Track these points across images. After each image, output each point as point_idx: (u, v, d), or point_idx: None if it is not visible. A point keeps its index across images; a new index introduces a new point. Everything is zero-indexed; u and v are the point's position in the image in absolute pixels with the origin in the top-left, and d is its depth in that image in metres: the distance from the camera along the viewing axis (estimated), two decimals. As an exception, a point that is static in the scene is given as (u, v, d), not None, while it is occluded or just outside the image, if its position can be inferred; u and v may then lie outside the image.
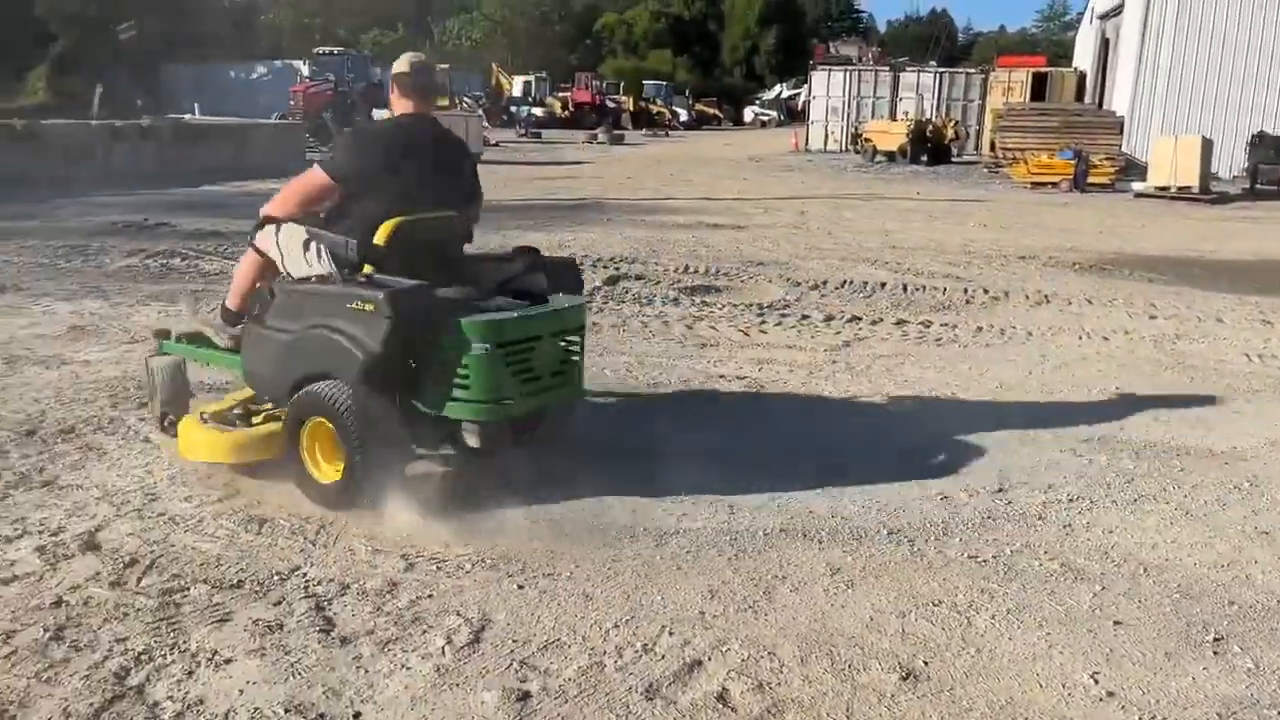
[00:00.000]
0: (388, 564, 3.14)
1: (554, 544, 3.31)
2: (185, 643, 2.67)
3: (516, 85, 48.06)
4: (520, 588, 3.01)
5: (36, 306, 6.69)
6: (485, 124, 29.47)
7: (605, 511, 3.58)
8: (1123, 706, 2.50)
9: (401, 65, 3.89)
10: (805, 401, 5.04)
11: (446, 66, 44.44)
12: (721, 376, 5.46)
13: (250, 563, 3.12)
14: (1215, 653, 2.75)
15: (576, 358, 3.78)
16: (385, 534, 3.32)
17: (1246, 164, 18.41)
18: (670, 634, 2.78)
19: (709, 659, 2.67)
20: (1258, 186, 17.70)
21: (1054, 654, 2.74)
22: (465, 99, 42.36)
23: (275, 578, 3.03)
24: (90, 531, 3.30)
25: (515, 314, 3.56)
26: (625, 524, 3.49)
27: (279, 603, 2.89)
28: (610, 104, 46.07)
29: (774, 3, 70.45)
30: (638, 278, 8.43)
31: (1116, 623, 2.91)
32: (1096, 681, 2.60)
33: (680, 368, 5.61)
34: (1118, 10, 24.17)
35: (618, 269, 8.74)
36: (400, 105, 3.88)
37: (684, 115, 49.72)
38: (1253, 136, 18.56)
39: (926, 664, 2.68)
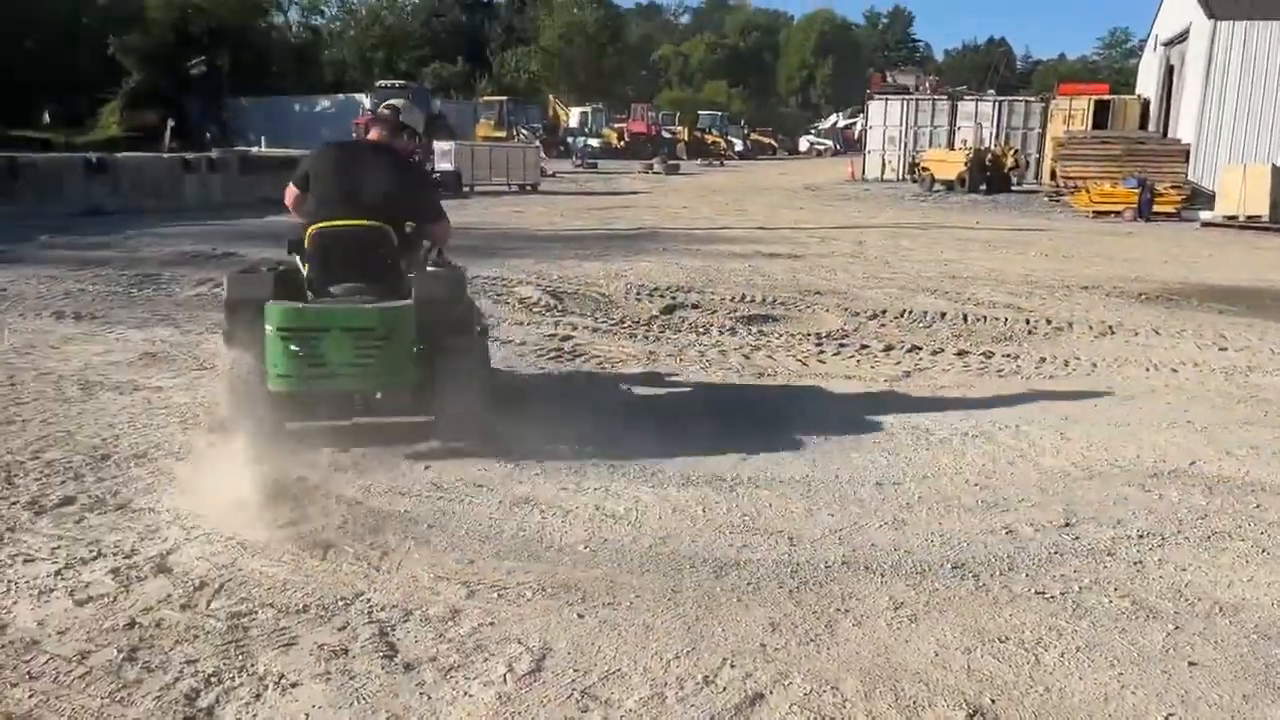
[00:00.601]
0: (449, 591, 3.16)
1: (614, 573, 3.32)
2: (253, 666, 2.71)
3: (573, 116, 48.64)
4: (580, 616, 3.02)
5: (111, 334, 6.89)
6: (542, 155, 29.84)
7: (665, 540, 3.57)
8: (1200, 750, 2.43)
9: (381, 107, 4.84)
10: (866, 432, 4.99)
11: (504, 99, 45.44)
12: (780, 406, 5.43)
13: (315, 587, 3.16)
14: (1298, 698, 2.66)
15: (375, 353, 4.14)
16: (448, 562, 3.35)
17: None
18: (732, 666, 2.76)
19: (771, 692, 2.65)
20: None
21: (1126, 694, 2.67)
22: (523, 130, 43.05)
23: (340, 603, 3.07)
24: (162, 554, 3.37)
25: (301, 306, 4.18)
26: (686, 554, 3.48)
27: (343, 628, 2.92)
28: (666, 134, 46.42)
29: (829, 33, 70.59)
30: (694, 307, 8.44)
31: (1191, 663, 2.83)
32: (1171, 724, 2.53)
33: (740, 398, 5.60)
34: (1183, 38, 23.81)
35: (674, 298, 8.77)
36: (374, 134, 4.67)
37: (739, 145, 49.92)
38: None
39: (993, 701, 2.62)
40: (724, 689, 2.66)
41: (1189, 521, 3.87)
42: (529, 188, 22.80)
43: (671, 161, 36.09)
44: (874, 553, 3.54)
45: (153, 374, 5.79)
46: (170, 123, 25.64)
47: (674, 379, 5.99)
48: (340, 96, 40.62)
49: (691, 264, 11.07)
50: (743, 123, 55.01)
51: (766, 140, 55.09)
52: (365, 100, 32.58)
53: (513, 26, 61.47)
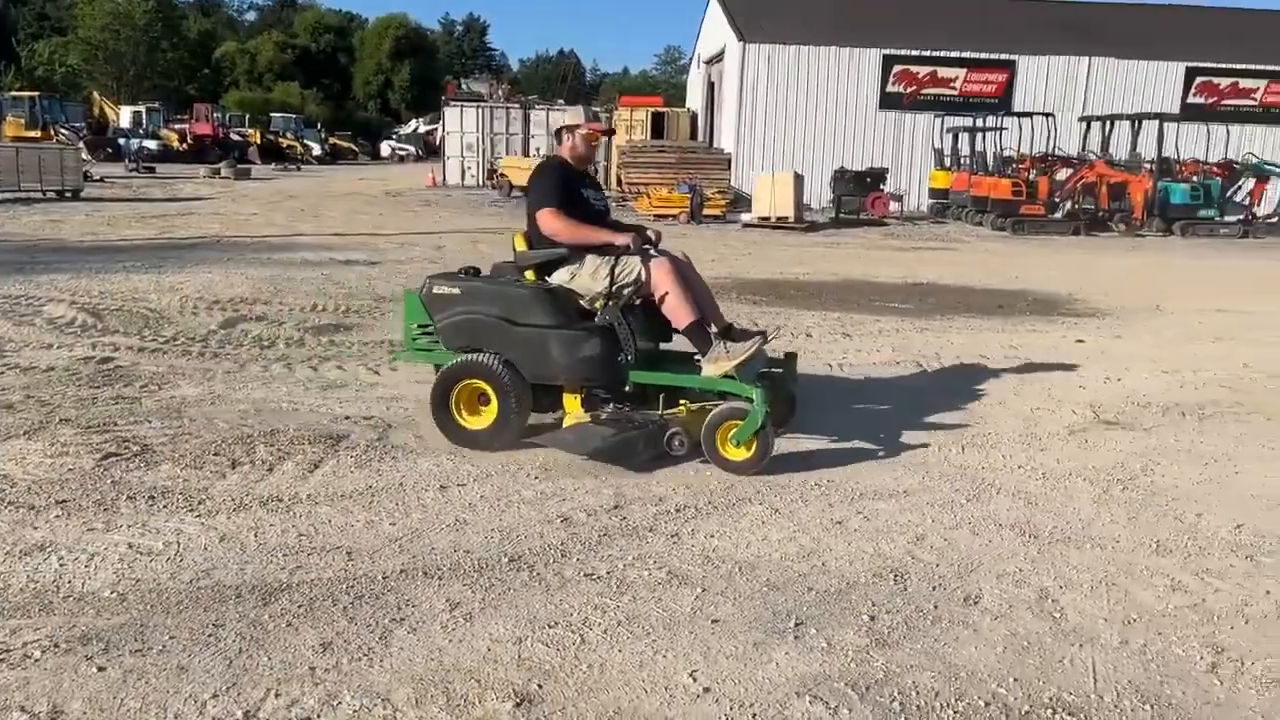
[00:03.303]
0: (-66, 664, 2.70)
1: (146, 616, 3.02)
2: None
3: (125, 116, 44.08)
4: (101, 669, 2.71)
5: None
6: (86, 157, 26.68)
7: (210, 573, 3.33)
8: (716, 700, 2.69)
9: None
10: (435, 436, 5.00)
11: (37, 94, 40.11)
12: (347, 418, 5.29)
13: None
14: (796, 637, 3.04)
15: None
16: (-68, 630, 2.87)
17: (832, 196, 20.84)
18: (276, 696, 2.63)
19: (319, 716, 2.55)
20: (841, 215, 20.10)
21: (658, 659, 2.89)
22: (61, 130, 38.25)
23: None
24: None
25: None
26: (232, 584, 3.26)
27: None
28: (235, 137, 43.50)
29: (404, 38, 70.09)
30: (259, 319, 7.99)
31: (714, 621, 3.13)
32: (695, 679, 2.79)
33: (302, 412, 5.37)
34: (720, 57, 26.53)
35: (236, 311, 8.23)
36: None
37: (317, 149, 47.97)
38: (835, 172, 21.07)
39: (540, 687, 2.73)
40: (266, 721, 2.52)
41: (718, 492, 4.29)
42: (69, 194, 20.29)
43: (241, 166, 33.87)
44: (434, 557, 3.55)
45: None
46: None
47: (231, 397, 5.61)
48: None
49: (259, 273, 10.46)
50: (320, 126, 52.96)
51: (346, 145, 53.42)
52: None
53: (46, 14, 54.30)
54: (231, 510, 3.91)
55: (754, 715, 2.63)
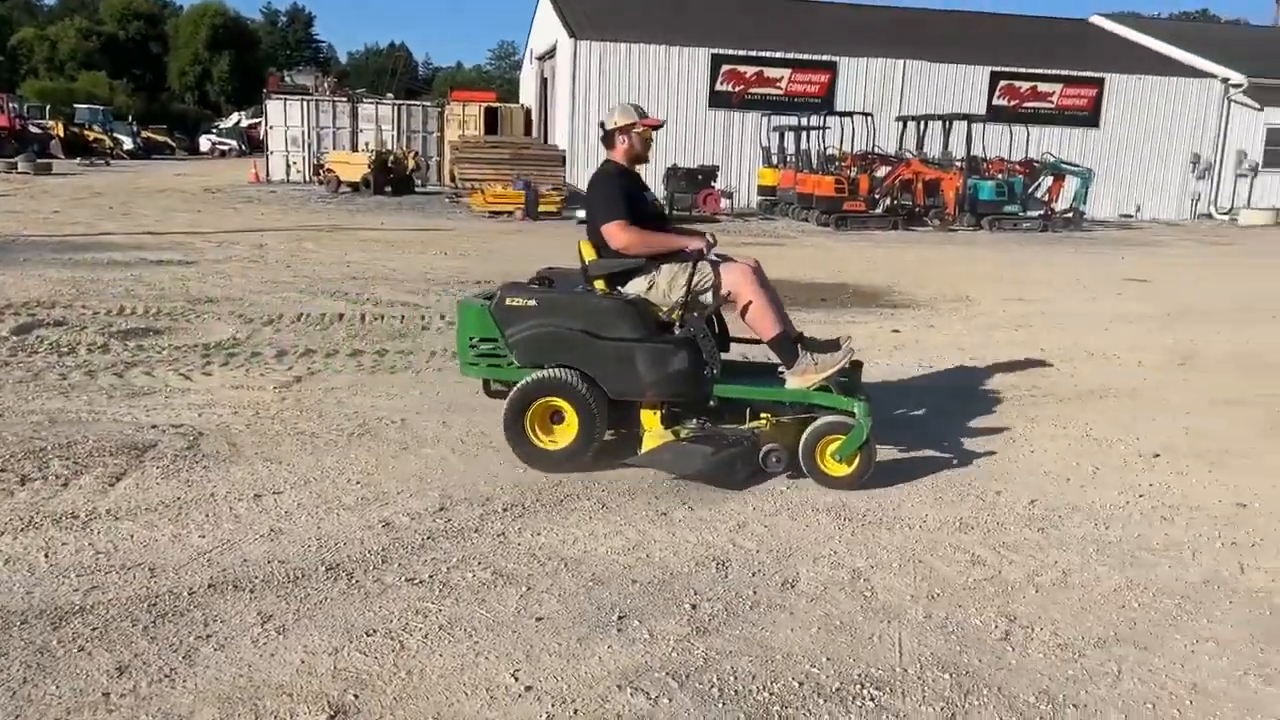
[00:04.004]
0: None
1: (-84, 650, 2.77)
2: None
3: (-98, 105, 40.40)
4: None
5: None
6: None
7: (-9, 599, 3.08)
8: (538, 698, 2.68)
9: None
10: (249, 443, 4.79)
11: None
12: (154, 427, 5.00)
13: None
14: (619, 630, 3.07)
15: None
16: None
17: (665, 192, 21.12)
18: (65, 727, 2.46)
19: (113, 745, 2.41)
20: (674, 212, 20.38)
21: (480, 661, 2.86)
22: None
23: None
24: None
25: None
26: (17, 610, 3.03)
27: None
28: (35, 129, 40.50)
29: (223, 27, 66.89)
30: (58, 324, 7.46)
31: (539, 619, 3.12)
32: (517, 679, 2.77)
33: (104, 422, 5.04)
34: (552, 53, 26.48)
35: (32, 315, 7.67)
36: None
37: (129, 143, 45.22)
38: (667, 169, 21.37)
39: (356, 697, 2.65)
40: (52, 755, 2.35)
41: (546, 490, 4.28)
42: None
43: (42, 160, 31.56)
44: (245, 568, 3.40)
45: None
46: None
47: (22, 409, 5.22)
48: None
49: (59, 275, 9.77)
50: (132, 119, 49.91)
51: (162, 139, 50.52)
52: None
53: None
54: (19, 530, 3.63)
55: (575, 711, 2.63)
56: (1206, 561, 3.78)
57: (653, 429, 4.56)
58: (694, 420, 4.58)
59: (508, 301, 4.56)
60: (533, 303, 4.54)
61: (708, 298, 4.58)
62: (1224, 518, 4.26)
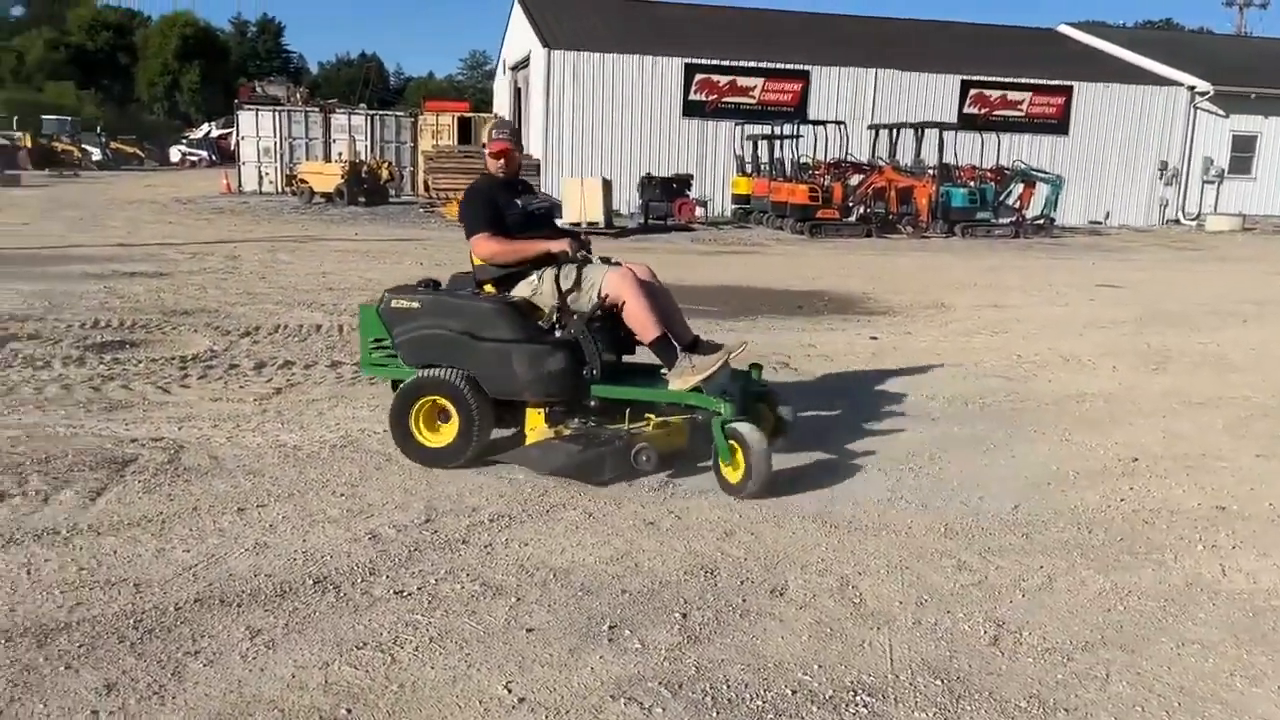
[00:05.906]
0: None
1: (-103, 670, 2.73)
2: None
3: None
4: None
5: None
6: None
7: (-27, 618, 3.04)
8: (531, 709, 2.67)
9: None
10: (230, 456, 4.75)
11: None
12: (134, 440, 4.95)
13: None
14: (610, 640, 3.06)
15: None
16: None
17: (640, 201, 21.17)
18: (53, 746, 2.43)
19: (103, 764, 2.37)
20: (650, 221, 20.45)
21: (472, 673, 2.85)
22: None
23: None
24: None
25: None
26: (1, 627, 2.99)
27: None
28: (2, 141, 40.07)
29: (192, 38, 66.37)
30: (31, 337, 7.38)
31: (529, 630, 3.11)
32: (510, 691, 2.76)
33: (83, 436, 4.99)
34: (525, 63, 26.47)
35: (4, 329, 7.57)
36: None
37: (98, 155, 44.77)
38: (642, 178, 21.42)
39: (350, 710, 2.63)
40: (42, 775, 2.32)
41: (533, 500, 4.27)
42: None
43: (10, 172, 31.22)
44: (232, 583, 3.37)
45: None
46: None
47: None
48: None
49: (31, 288, 9.66)
50: (101, 130, 49.40)
51: (131, 150, 50.05)
52: None
53: None
54: (0, 547, 3.58)
55: (570, 722, 2.63)
56: (1188, 564, 3.83)
57: (536, 427, 4.70)
58: (576, 420, 4.73)
59: (394, 304, 4.74)
60: (416, 305, 4.70)
61: (581, 299, 4.70)
62: (1204, 520, 4.32)
